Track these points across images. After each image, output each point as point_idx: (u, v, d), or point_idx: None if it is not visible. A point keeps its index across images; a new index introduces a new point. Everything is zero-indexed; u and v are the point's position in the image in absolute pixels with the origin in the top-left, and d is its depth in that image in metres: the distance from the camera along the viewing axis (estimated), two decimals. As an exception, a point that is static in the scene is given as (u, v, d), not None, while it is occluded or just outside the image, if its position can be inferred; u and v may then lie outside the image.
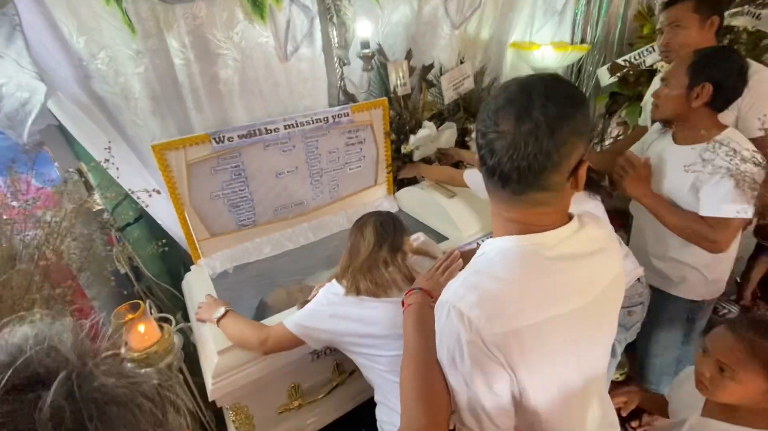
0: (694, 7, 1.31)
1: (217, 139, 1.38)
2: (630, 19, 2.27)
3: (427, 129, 1.63)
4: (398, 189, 1.86)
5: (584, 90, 2.36)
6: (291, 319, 1.05)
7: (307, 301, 1.19)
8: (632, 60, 1.97)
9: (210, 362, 1.11)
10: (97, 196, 1.47)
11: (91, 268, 1.17)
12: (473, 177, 1.43)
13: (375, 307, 1.00)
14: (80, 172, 1.44)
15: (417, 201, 1.74)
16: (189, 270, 1.51)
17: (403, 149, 1.69)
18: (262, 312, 1.43)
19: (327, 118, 1.56)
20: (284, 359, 1.16)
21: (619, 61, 1.98)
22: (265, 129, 1.45)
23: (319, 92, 1.70)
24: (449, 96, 1.83)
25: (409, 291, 0.85)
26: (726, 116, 1.34)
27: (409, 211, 1.78)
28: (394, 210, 1.81)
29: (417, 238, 1.15)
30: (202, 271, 1.47)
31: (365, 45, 1.56)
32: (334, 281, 1.07)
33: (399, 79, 1.67)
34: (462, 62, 1.90)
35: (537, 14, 2.15)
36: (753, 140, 1.32)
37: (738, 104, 1.29)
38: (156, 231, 1.55)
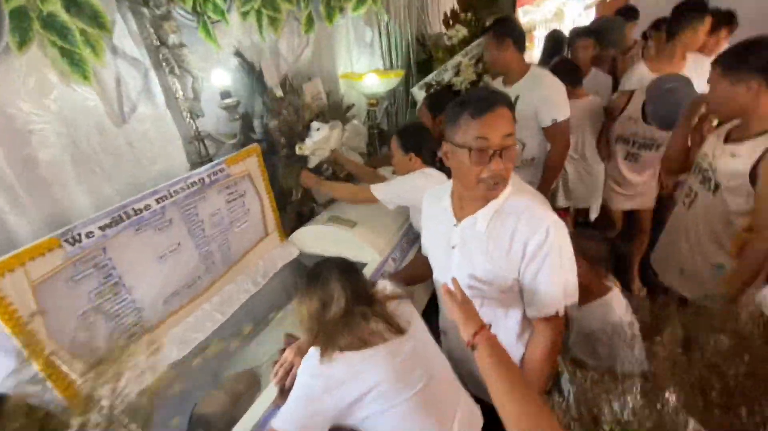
0: (491, 36, 1.86)
1: (71, 240, 1.03)
2: (413, 46, 2.80)
3: (322, 130, 1.63)
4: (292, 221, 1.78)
5: (402, 106, 2.78)
6: (281, 419, 0.89)
7: (283, 390, 1.04)
8: (435, 78, 2.44)
9: None
10: None
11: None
12: (384, 190, 1.53)
13: (364, 358, 0.95)
14: None
15: (319, 239, 1.71)
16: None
17: (298, 150, 1.64)
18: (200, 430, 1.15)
19: (203, 179, 1.36)
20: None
21: (428, 80, 2.43)
22: (133, 210, 1.16)
23: (173, 152, 1.46)
24: (312, 110, 1.85)
25: (480, 329, 0.86)
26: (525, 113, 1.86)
27: (313, 250, 1.73)
28: (294, 254, 1.73)
29: (384, 287, 1.14)
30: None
31: (225, 95, 1.43)
32: (310, 351, 0.97)
33: (273, 79, 1.62)
34: (310, 79, 1.95)
35: (353, 47, 2.40)
36: (545, 128, 1.88)
37: (532, 101, 1.82)
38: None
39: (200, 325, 1.37)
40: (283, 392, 1.10)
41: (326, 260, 1.11)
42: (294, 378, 1.11)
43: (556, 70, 1.99)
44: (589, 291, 1.31)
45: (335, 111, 1.86)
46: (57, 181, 1.13)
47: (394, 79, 2.34)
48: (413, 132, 1.58)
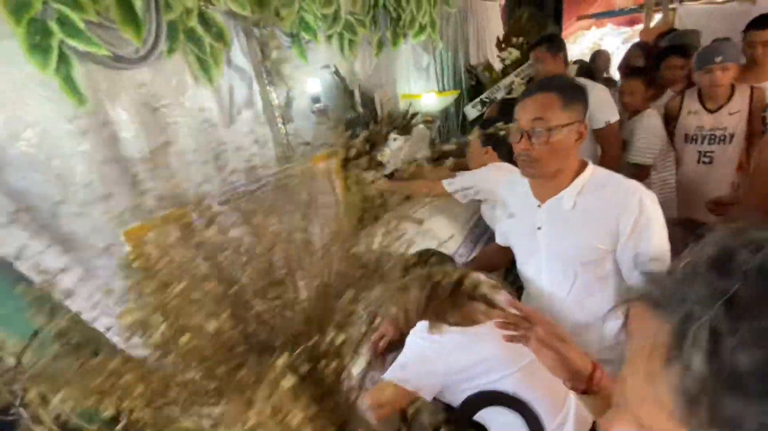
0: (546, 48, 1.96)
1: (199, 212, 1.18)
2: (463, 72, 2.99)
3: (398, 140, 1.77)
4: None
5: (454, 125, 2.93)
6: (393, 374, 0.95)
7: (375, 356, 1.11)
8: (489, 97, 2.59)
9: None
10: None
11: None
12: (455, 183, 1.63)
13: (473, 333, 0.99)
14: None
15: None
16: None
17: (379, 157, 1.79)
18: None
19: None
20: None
21: (482, 98, 2.58)
22: (243, 192, 1.32)
23: (266, 153, 1.65)
24: (390, 122, 2.03)
25: (595, 369, 0.67)
26: None
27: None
28: (364, 252, 1.83)
29: (479, 276, 1.21)
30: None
31: (316, 100, 1.63)
32: (419, 324, 1.04)
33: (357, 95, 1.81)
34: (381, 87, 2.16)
35: (411, 70, 2.61)
36: (598, 131, 1.94)
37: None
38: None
39: (286, 306, 1.48)
40: (377, 358, 1.17)
41: (428, 249, 1.19)
42: (385, 345, 1.17)
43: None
44: None
45: (402, 119, 2.03)
46: (180, 167, 1.31)
47: (450, 98, 2.51)
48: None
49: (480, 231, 1.89)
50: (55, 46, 0.91)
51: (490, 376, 0.96)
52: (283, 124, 1.67)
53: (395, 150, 1.86)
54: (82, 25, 0.91)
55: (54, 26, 0.90)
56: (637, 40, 4.25)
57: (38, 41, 0.90)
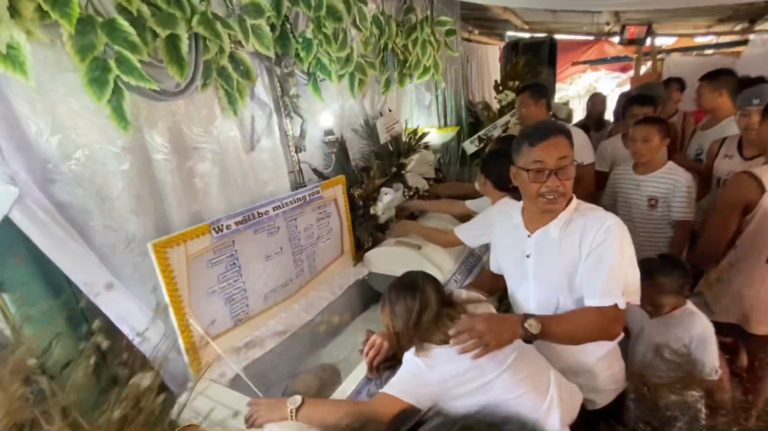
0: (530, 95, 2.17)
1: (217, 229, 1.30)
2: (464, 110, 3.20)
3: (389, 194, 1.90)
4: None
5: (453, 158, 3.10)
6: (391, 388, 1.04)
7: (372, 368, 1.20)
8: (486, 134, 2.77)
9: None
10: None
11: None
12: (465, 231, 1.72)
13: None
14: None
15: (387, 260, 1.92)
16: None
17: (372, 211, 1.91)
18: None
19: (305, 197, 1.65)
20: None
21: (480, 135, 2.76)
22: (257, 213, 1.44)
23: (281, 178, 1.78)
24: (384, 137, 2.17)
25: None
26: None
27: (382, 270, 1.93)
28: (364, 273, 1.93)
29: (460, 294, 1.27)
30: (205, 383, 1.24)
31: (329, 132, 1.78)
32: (410, 351, 1.12)
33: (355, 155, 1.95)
34: (390, 110, 2.31)
35: (414, 107, 2.81)
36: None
37: None
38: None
39: (290, 321, 1.56)
40: (372, 369, 1.25)
41: (412, 273, 1.27)
42: (383, 356, 1.26)
43: None
44: None
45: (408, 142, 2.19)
46: (202, 189, 1.44)
47: (450, 133, 2.69)
48: (494, 158, 1.72)
49: (474, 261, 2.00)
50: (111, 81, 1.06)
51: (479, 380, 1.04)
52: (296, 153, 1.82)
53: (387, 203, 2.01)
54: (137, 64, 1.06)
55: (113, 64, 1.06)
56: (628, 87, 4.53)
57: (97, 76, 1.05)
